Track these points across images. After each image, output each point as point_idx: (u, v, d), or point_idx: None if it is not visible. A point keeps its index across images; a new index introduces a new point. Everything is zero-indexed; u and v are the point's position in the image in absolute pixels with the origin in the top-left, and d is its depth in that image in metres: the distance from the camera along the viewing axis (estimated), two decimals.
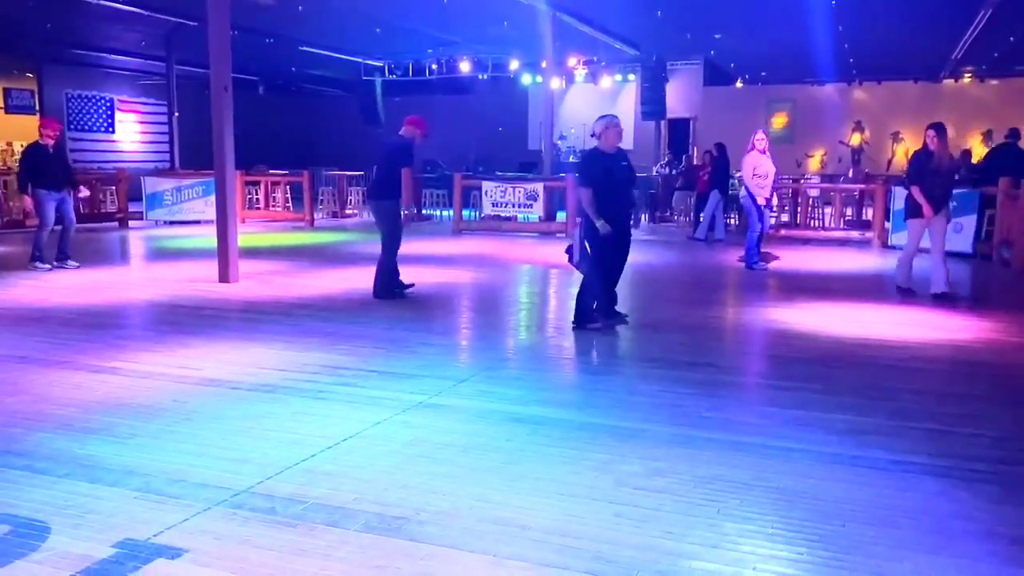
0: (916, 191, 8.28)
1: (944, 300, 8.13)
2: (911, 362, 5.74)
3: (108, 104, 23.16)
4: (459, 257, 11.75)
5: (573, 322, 6.76)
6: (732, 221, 15.64)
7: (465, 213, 16.16)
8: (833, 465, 3.74)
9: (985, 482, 3.56)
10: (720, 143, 14.25)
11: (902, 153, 20.26)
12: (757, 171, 10.32)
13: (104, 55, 21.45)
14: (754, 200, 10.41)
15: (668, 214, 17.87)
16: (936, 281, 8.32)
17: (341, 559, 2.84)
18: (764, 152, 10.38)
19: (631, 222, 6.97)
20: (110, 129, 23.23)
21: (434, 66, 22.76)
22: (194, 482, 3.48)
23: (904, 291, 8.62)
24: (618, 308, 6.84)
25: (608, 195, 6.52)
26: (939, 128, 8.31)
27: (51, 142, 9.97)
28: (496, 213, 15.61)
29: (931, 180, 8.25)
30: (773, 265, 10.82)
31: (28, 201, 10.36)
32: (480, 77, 23.00)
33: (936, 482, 3.55)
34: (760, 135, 10.58)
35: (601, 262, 6.60)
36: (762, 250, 10.83)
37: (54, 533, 3.02)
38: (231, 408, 4.54)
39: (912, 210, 8.51)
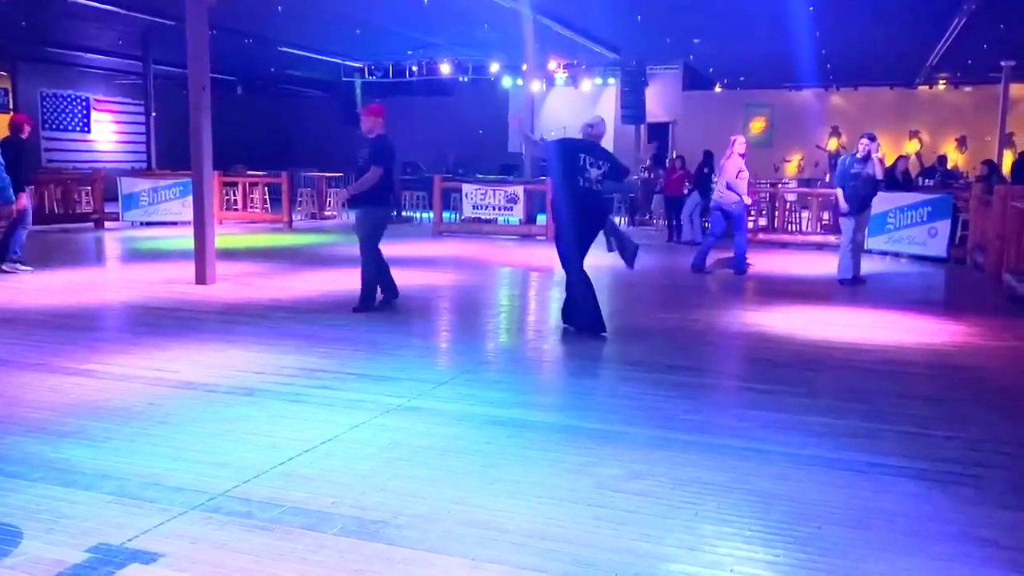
0: (840, 192, 9.58)
1: (850, 284, 9.51)
2: (888, 365, 5.79)
3: (84, 103, 22.91)
4: (439, 259, 11.73)
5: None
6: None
7: (445, 215, 16.15)
8: (810, 467, 3.77)
9: (960, 484, 3.60)
10: (708, 150, 14.42)
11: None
12: (740, 175, 10.42)
13: (80, 54, 21.21)
14: (744, 205, 10.55)
15: (647, 218, 17.95)
16: (845, 269, 9.67)
17: (318, 563, 2.82)
18: (743, 156, 10.50)
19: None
20: (86, 129, 22.98)
21: (414, 68, 22.73)
22: (170, 486, 3.45)
23: (850, 282, 9.59)
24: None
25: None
26: (871, 137, 9.54)
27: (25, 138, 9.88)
28: (476, 215, 15.62)
29: (855, 183, 9.40)
30: (751, 269, 10.87)
31: (24, 199, 9.91)
32: (461, 79, 22.98)
33: (912, 484, 3.59)
34: (741, 139, 10.67)
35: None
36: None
37: (26, 538, 2.97)
38: (207, 411, 4.50)
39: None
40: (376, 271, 7.57)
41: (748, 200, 10.66)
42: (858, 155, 9.45)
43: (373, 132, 7.46)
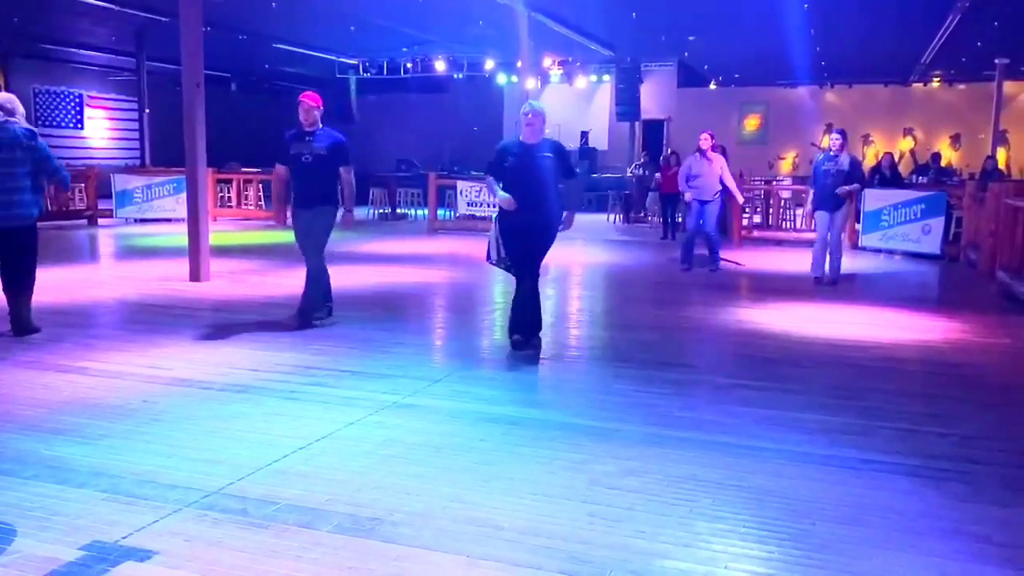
0: (811, 193, 9.60)
1: (820, 283, 9.39)
2: (881, 362, 5.81)
3: (77, 100, 22.85)
4: (434, 256, 11.72)
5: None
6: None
7: (440, 212, 16.13)
8: (804, 464, 3.78)
9: (953, 481, 3.61)
10: (722, 146, 14.39)
11: (872, 156, 20.56)
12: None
13: (73, 50, 21.16)
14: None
15: (642, 215, 17.96)
16: (817, 266, 9.59)
17: (313, 560, 2.81)
18: (709, 151, 10.44)
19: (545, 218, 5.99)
20: (79, 125, 22.92)
21: (409, 64, 22.71)
22: (164, 483, 3.44)
23: (828, 281, 9.45)
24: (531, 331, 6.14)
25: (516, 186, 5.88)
26: (843, 133, 9.57)
27: None
28: (471, 213, 15.60)
29: (826, 181, 9.26)
30: (746, 266, 10.88)
31: None
32: (455, 76, 22.98)
33: (905, 481, 3.60)
34: (703, 136, 10.51)
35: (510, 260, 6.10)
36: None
37: (20, 535, 2.96)
38: (202, 408, 4.49)
39: (817, 204, 9.55)
40: (326, 276, 7.09)
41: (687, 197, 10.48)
42: (831, 151, 9.36)
43: (315, 125, 6.90)
